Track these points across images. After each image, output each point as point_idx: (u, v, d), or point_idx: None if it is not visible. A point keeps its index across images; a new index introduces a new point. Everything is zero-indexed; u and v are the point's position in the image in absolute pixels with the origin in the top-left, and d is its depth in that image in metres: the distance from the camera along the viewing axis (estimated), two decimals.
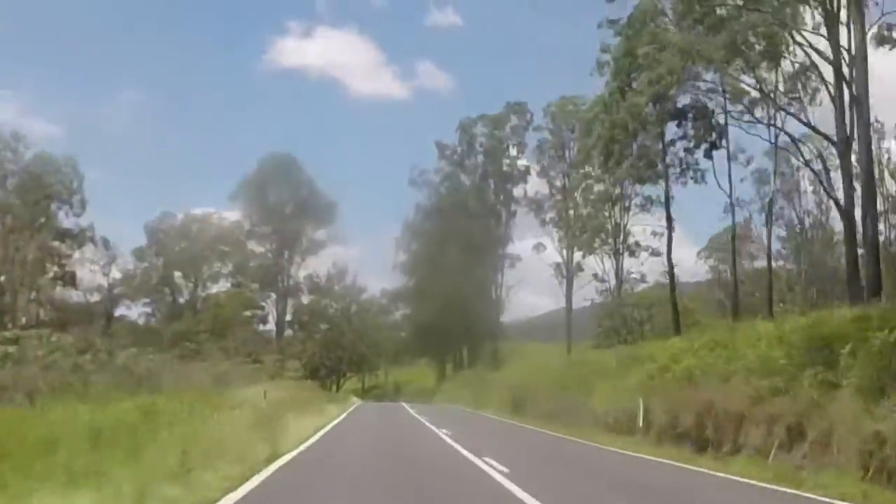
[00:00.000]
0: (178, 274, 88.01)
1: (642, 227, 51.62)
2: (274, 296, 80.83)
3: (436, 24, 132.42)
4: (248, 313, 76.70)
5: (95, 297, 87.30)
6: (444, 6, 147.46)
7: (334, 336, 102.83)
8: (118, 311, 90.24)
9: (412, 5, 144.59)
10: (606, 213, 54.26)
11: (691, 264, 63.23)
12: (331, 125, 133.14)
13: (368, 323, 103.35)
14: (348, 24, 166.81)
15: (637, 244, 53.38)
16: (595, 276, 55.40)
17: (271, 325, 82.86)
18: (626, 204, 53.75)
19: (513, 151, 59.44)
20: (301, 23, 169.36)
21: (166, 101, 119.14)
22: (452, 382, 77.47)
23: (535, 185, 63.77)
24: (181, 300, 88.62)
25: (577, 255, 58.16)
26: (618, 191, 52.67)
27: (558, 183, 59.06)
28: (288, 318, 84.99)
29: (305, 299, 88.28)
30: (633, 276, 60.73)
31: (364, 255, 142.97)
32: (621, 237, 53.28)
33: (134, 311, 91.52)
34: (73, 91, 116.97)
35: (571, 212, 57.23)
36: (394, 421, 29.49)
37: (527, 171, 59.48)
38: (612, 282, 54.90)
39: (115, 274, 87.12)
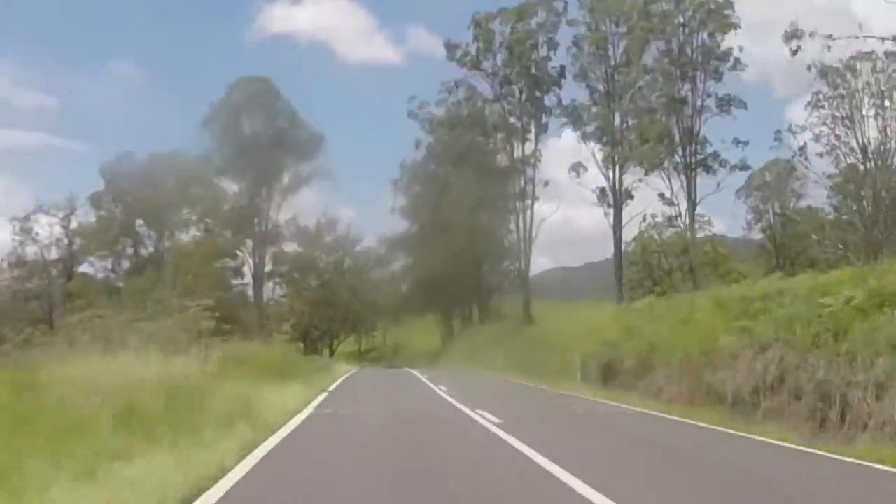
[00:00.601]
0: (139, 223, 75.44)
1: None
2: (250, 243, 68.24)
3: None
4: (218, 265, 64.11)
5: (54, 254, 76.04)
6: None
7: (325, 294, 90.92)
8: (82, 268, 79.03)
9: None
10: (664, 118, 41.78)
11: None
12: (322, 92, 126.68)
13: (364, 278, 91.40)
14: None
15: (715, 155, 40.97)
16: (662, 196, 42.89)
17: (249, 279, 70.13)
18: (699, 104, 41.34)
19: (542, 51, 46.42)
20: None
21: (153, 71, 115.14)
22: (463, 342, 65.82)
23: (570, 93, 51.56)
24: (144, 253, 76.19)
25: (626, 180, 45.56)
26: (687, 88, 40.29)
27: (601, 87, 46.20)
28: (268, 269, 72.46)
29: (288, 247, 75.83)
30: (658, 219, 49.38)
31: (358, 204, 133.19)
32: (693, 146, 40.79)
33: (98, 268, 79.89)
34: (61, 62, 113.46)
35: (618, 120, 44.67)
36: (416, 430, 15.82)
37: (561, 72, 46.51)
38: (683, 206, 42.37)
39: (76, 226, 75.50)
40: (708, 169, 42.19)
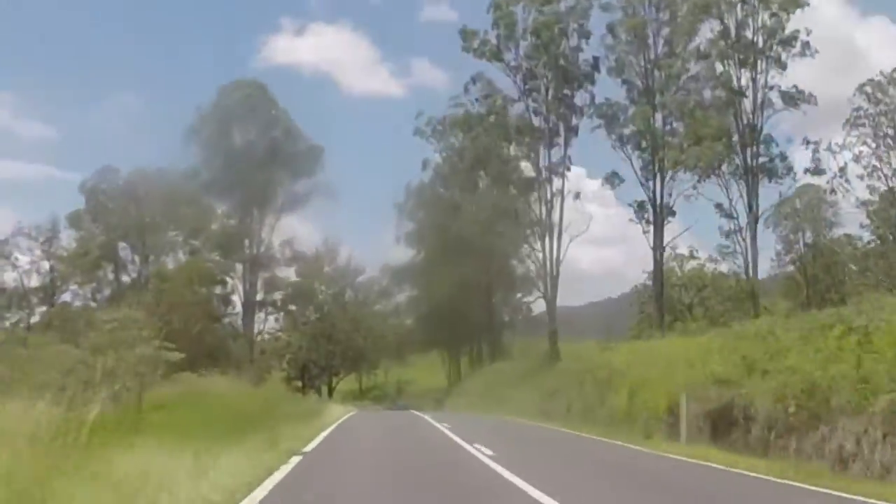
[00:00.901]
0: (122, 245, 68.93)
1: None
2: (240, 267, 61.39)
3: (431, 20, 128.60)
4: (204, 290, 57.16)
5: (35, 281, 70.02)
6: (438, 1, 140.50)
7: (325, 327, 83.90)
8: (66, 296, 72.90)
9: (406, 1, 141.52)
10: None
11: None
12: (325, 122, 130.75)
13: (367, 311, 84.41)
14: (342, 20, 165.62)
15: (782, 157, 34.27)
16: (719, 207, 36.01)
17: (239, 308, 63.09)
18: (759, 98, 34.75)
19: (571, 41, 39.98)
20: (294, 20, 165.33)
21: (156, 103, 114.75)
22: (474, 381, 58.83)
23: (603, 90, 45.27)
24: (127, 279, 69.53)
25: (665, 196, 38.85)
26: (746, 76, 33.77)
27: (639, 83, 39.72)
28: (259, 297, 65.56)
29: (283, 272, 69.08)
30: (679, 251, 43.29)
31: (361, 236, 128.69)
32: (755, 146, 34.07)
33: (79, 295, 73.72)
34: (66, 93, 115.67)
35: (659, 121, 38.13)
36: None
37: (594, 65, 39.96)
38: (743, 219, 35.57)
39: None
40: (772, 175, 35.45)
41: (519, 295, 73.68)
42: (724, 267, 45.41)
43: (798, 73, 45.73)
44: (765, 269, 51.91)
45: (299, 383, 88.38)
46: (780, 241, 51.42)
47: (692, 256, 50.34)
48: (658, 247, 40.48)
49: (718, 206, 36.89)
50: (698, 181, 36.12)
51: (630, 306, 56.49)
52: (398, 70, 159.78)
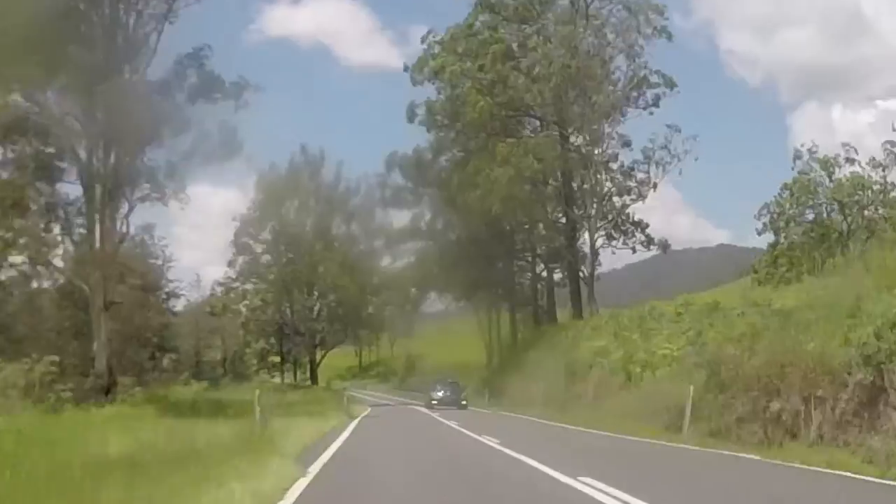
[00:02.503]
0: None
1: None
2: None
3: None
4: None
5: None
6: None
7: (301, 271, 56.61)
8: None
9: None
10: None
11: None
12: (323, 95, 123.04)
13: (364, 250, 56.78)
14: None
15: None
16: None
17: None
18: None
19: None
20: None
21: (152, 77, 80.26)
22: (551, 353, 30.74)
23: None
24: None
25: None
26: None
27: None
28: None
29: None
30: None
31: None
32: None
33: None
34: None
35: None
36: None
37: None
38: None
39: None
40: None
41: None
42: None
43: None
44: None
45: (277, 358, 61.60)
46: None
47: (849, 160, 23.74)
48: None
49: None
50: None
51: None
52: (397, 39, 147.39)
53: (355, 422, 20.54)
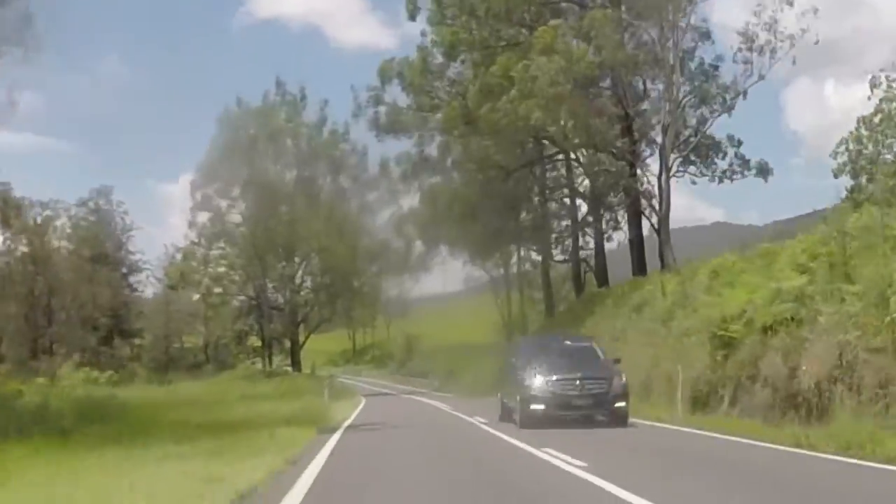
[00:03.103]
0: None
1: None
2: None
3: None
4: None
5: None
6: None
7: (275, 230, 46.30)
8: None
9: None
10: None
11: None
12: (314, 77, 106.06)
13: (354, 206, 46.27)
14: None
15: None
16: None
17: None
18: None
19: None
20: None
21: (138, 63, 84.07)
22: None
23: None
24: None
25: None
26: None
27: None
28: None
29: None
30: None
31: None
32: None
33: None
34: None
35: None
36: None
37: None
38: None
39: None
40: None
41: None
42: None
43: None
44: None
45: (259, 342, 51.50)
46: None
47: None
48: None
49: None
50: None
51: None
52: (389, 19, 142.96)
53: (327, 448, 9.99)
